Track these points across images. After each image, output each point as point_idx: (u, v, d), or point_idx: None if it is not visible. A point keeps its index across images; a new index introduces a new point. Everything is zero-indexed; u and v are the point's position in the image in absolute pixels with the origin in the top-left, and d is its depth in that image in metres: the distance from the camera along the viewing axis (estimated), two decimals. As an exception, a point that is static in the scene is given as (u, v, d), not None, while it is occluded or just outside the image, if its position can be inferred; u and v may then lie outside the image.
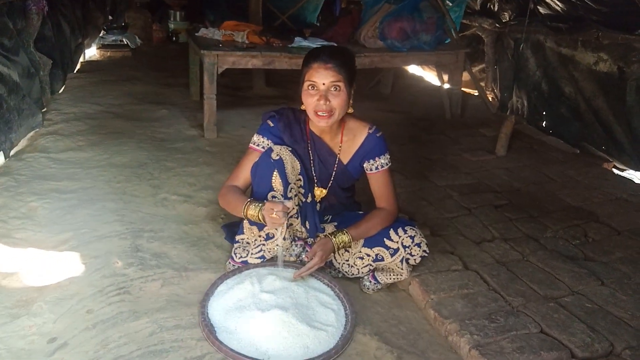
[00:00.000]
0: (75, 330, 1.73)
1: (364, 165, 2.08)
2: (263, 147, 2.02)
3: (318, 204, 2.14)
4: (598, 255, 2.37)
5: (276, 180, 1.93)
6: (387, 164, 2.07)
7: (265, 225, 1.94)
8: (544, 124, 4.27)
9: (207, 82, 3.65)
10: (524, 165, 3.50)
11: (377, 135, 2.07)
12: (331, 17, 6.32)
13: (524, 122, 4.39)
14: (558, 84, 4.06)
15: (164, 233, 2.37)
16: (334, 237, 1.96)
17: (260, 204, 1.87)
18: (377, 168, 2.06)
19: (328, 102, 1.87)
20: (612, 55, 3.53)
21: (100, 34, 6.49)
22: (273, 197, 1.95)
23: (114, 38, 6.50)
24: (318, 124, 1.96)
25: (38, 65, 3.86)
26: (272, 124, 2.04)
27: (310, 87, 1.89)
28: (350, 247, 2.03)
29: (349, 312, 1.86)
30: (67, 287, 1.93)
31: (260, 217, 1.86)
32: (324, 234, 2.11)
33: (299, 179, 2.02)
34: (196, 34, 4.20)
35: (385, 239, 2.02)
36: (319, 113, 1.89)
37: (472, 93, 5.21)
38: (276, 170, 1.92)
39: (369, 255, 2.05)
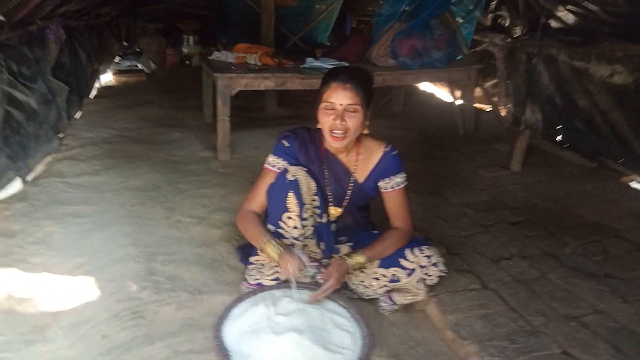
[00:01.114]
0: (89, 355, 1.73)
1: (380, 184, 2.07)
2: (278, 168, 2.01)
3: (333, 224, 2.13)
4: (619, 271, 2.31)
5: (291, 201, 1.92)
6: (402, 183, 2.06)
7: None
8: (559, 138, 4.22)
9: (221, 104, 3.68)
10: (539, 180, 3.45)
11: (393, 153, 2.06)
12: (342, 37, 6.39)
13: (539, 136, 4.35)
14: (572, 97, 4.02)
15: (178, 256, 2.37)
16: (350, 258, 1.94)
17: (278, 246, 1.88)
18: (392, 187, 2.05)
19: (344, 123, 1.88)
20: (627, 67, 3.49)
21: (116, 60, 6.62)
22: (289, 217, 1.94)
23: (129, 63, 6.63)
24: (332, 145, 1.96)
25: (55, 91, 3.94)
26: (287, 144, 2.04)
27: (327, 107, 1.90)
28: (365, 268, 2.00)
29: (365, 334, 1.82)
30: (81, 312, 1.93)
31: (275, 258, 1.88)
32: (339, 255, 2.09)
33: (315, 199, 2.01)
34: (209, 57, 4.26)
35: (400, 259, 1.99)
36: (334, 133, 1.90)
37: (484, 108, 5.19)
38: (292, 191, 1.92)
39: (384, 276, 2.02)
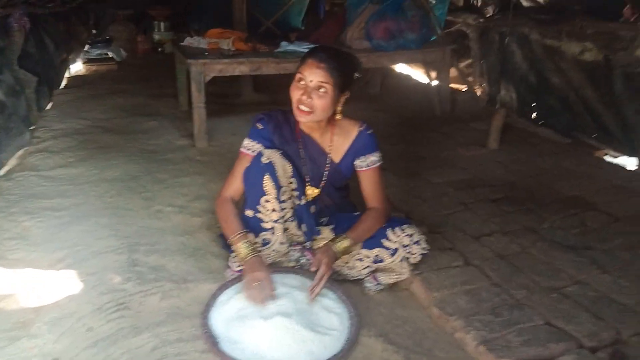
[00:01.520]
0: (76, 349, 1.70)
1: (355, 163, 2.08)
2: (253, 152, 2.00)
3: (313, 206, 2.13)
4: (598, 243, 2.37)
5: (268, 184, 1.92)
6: (378, 162, 2.07)
7: (260, 233, 1.98)
8: (534, 116, 4.29)
9: (196, 91, 3.62)
10: (517, 157, 3.50)
11: (368, 132, 2.07)
12: (317, 20, 6.33)
13: (515, 114, 4.41)
14: (545, 75, 4.08)
15: (161, 245, 2.34)
16: (335, 243, 1.95)
17: (248, 248, 1.88)
18: (367, 165, 2.06)
19: (310, 100, 1.87)
20: (597, 44, 3.55)
21: (85, 48, 6.45)
22: (267, 201, 1.93)
23: (98, 52, 6.46)
24: (297, 118, 1.95)
25: (23, 83, 3.82)
26: (261, 127, 2.03)
27: (299, 80, 1.90)
28: (349, 252, 2.01)
29: (353, 315, 1.84)
30: (65, 306, 1.89)
31: (240, 259, 1.89)
32: (321, 237, 2.10)
33: (292, 182, 2.01)
34: (181, 44, 4.18)
35: (382, 240, 2.01)
36: (299, 107, 1.90)
37: (460, 89, 5.23)
38: (267, 174, 1.91)
39: (368, 257, 2.04)
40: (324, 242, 2.01)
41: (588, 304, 1.91)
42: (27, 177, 3.01)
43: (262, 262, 1.87)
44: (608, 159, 3.63)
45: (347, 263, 2.07)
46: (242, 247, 1.88)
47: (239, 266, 2.03)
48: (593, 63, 3.60)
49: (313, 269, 1.88)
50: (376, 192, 2.08)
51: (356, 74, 1.99)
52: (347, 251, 1.99)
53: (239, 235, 1.91)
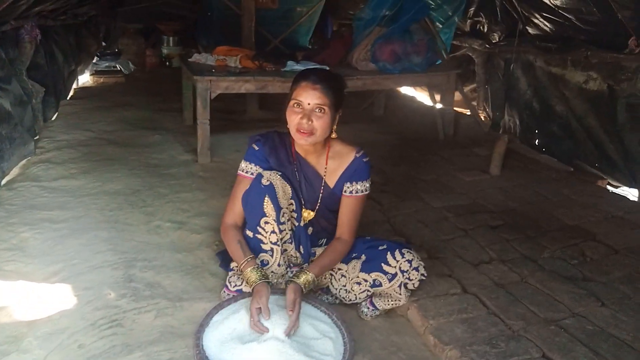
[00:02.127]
0: (66, 366, 1.69)
1: (344, 186, 2.07)
2: (252, 174, 2.01)
3: (310, 228, 2.12)
4: (597, 275, 2.35)
5: (268, 206, 1.92)
6: (363, 192, 2.07)
7: (260, 254, 1.98)
8: (536, 142, 4.28)
9: (201, 107, 3.65)
10: (518, 184, 3.49)
11: (364, 160, 2.07)
12: (323, 40, 6.39)
13: (517, 140, 4.41)
14: (549, 102, 4.08)
15: (158, 262, 2.34)
16: (298, 279, 1.89)
17: (257, 274, 1.86)
18: (351, 192, 2.05)
19: (310, 122, 1.89)
20: (602, 73, 3.56)
21: (94, 60, 6.52)
22: (266, 222, 1.93)
23: (107, 64, 6.54)
24: (298, 141, 1.97)
25: (30, 93, 3.86)
26: (257, 148, 2.04)
27: (295, 105, 1.91)
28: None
29: (347, 340, 1.82)
30: (57, 321, 1.89)
31: (249, 284, 1.87)
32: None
33: (291, 203, 2.01)
34: (189, 60, 4.22)
35: (382, 264, 1.99)
36: (300, 130, 1.90)
37: (464, 113, 5.24)
38: (267, 196, 1.92)
39: (366, 281, 2.02)
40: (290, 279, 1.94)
41: (585, 338, 1.89)
42: (29, 187, 3.03)
43: (268, 290, 1.85)
44: (609, 188, 3.61)
45: (344, 286, 2.06)
46: (251, 273, 1.87)
47: (236, 286, 2.03)
48: (597, 92, 3.61)
49: (289, 311, 1.79)
50: (350, 222, 2.07)
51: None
52: (311, 285, 1.93)
53: (246, 262, 1.90)
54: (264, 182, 1.93)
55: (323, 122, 1.90)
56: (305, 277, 1.90)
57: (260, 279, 1.85)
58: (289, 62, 4.08)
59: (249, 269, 1.88)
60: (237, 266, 2.01)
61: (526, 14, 4.15)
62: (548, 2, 3.67)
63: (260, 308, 1.77)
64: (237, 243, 1.97)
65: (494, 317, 2.02)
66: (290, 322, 1.76)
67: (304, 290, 1.89)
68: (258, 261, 1.98)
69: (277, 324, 1.78)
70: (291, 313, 1.77)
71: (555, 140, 4.05)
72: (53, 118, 4.52)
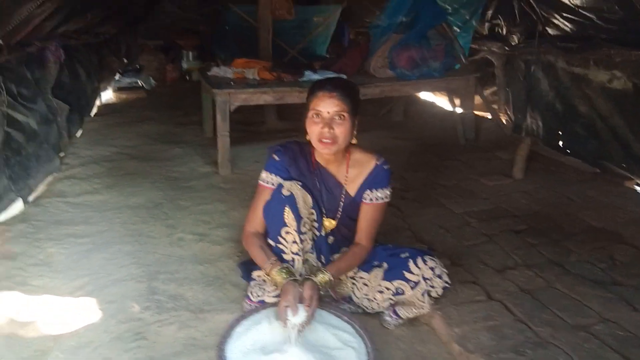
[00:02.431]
0: (91, 379, 1.71)
1: (364, 193, 2.06)
2: (272, 184, 2.02)
3: (331, 237, 2.11)
4: (626, 278, 2.28)
5: (288, 216, 1.92)
6: (383, 199, 2.05)
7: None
8: (560, 144, 4.20)
9: (220, 120, 3.69)
10: (542, 187, 3.42)
11: (385, 167, 2.06)
12: (340, 49, 6.41)
13: (540, 143, 4.33)
14: (572, 103, 4.01)
15: (180, 274, 2.36)
16: (315, 277, 1.88)
17: (283, 273, 1.85)
18: (371, 199, 2.05)
19: (332, 130, 1.89)
20: (626, 72, 3.48)
21: (116, 77, 6.66)
22: (287, 232, 1.93)
23: (129, 80, 6.68)
24: (322, 151, 1.97)
25: (55, 111, 3.96)
26: (278, 158, 2.05)
27: (315, 116, 1.92)
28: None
29: (370, 350, 1.80)
30: (83, 335, 1.91)
31: (278, 285, 1.86)
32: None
33: (312, 213, 2.01)
34: (208, 73, 4.27)
35: (404, 272, 1.97)
36: (322, 140, 1.91)
37: (484, 116, 5.18)
38: (287, 206, 1.92)
39: (388, 289, 2.00)
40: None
41: (616, 344, 1.83)
42: (55, 203, 3.10)
43: (295, 287, 1.82)
44: (637, 189, 3.51)
45: (367, 295, 2.05)
46: (277, 276, 1.86)
47: (258, 297, 2.03)
48: (622, 91, 3.52)
49: (306, 306, 1.77)
50: (369, 229, 2.06)
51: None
52: (328, 285, 1.92)
53: (271, 265, 1.89)
54: (285, 192, 1.93)
55: (344, 128, 1.91)
56: (323, 276, 1.89)
57: (286, 278, 1.84)
58: (307, 72, 4.10)
59: (274, 270, 1.87)
60: (261, 272, 2.01)
61: (545, 15, 4.09)
62: (568, 2, 3.61)
63: (288, 307, 1.75)
64: (260, 248, 1.97)
65: (520, 324, 1.97)
66: (307, 317, 1.75)
67: (320, 289, 1.88)
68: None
69: (299, 333, 1.77)
70: (308, 308, 1.75)
71: (579, 141, 3.97)
72: (77, 135, 4.63)
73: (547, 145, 4.29)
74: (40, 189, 3.38)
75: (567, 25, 3.94)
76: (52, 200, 3.14)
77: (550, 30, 4.19)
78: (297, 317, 1.73)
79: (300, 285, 1.84)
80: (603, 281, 2.26)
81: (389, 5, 4.24)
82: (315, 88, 1.96)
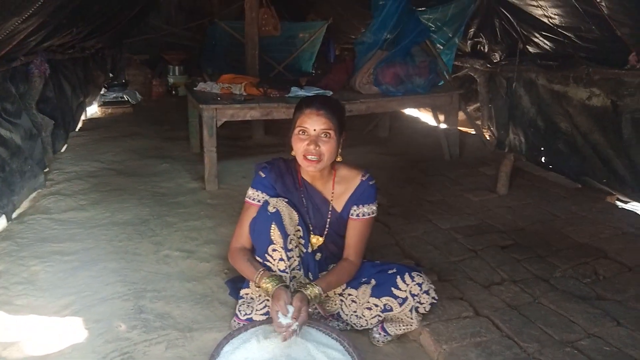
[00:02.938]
0: (77, 401, 1.68)
1: (350, 209, 2.07)
2: (259, 201, 2.03)
3: (318, 254, 2.12)
4: (611, 293, 2.32)
5: (275, 233, 1.92)
6: (370, 214, 2.07)
7: None
8: (543, 160, 4.28)
9: (207, 136, 3.68)
10: (526, 203, 3.48)
11: (370, 183, 2.08)
12: (326, 65, 6.47)
13: (523, 159, 4.41)
14: (553, 120, 4.10)
15: (167, 292, 2.34)
16: (305, 289, 1.88)
17: (272, 280, 1.85)
18: (358, 215, 2.06)
19: (318, 148, 1.91)
20: (604, 89, 3.57)
21: (102, 92, 6.62)
22: (274, 250, 1.93)
23: (114, 95, 6.63)
24: (307, 169, 1.99)
25: (40, 126, 3.92)
26: (263, 175, 2.06)
27: (301, 132, 1.94)
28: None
29: (360, 368, 1.80)
30: (69, 355, 1.88)
31: (268, 293, 1.85)
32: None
33: (299, 230, 2.01)
34: (195, 89, 4.28)
35: (392, 288, 1.98)
36: (308, 157, 1.93)
37: (469, 132, 5.26)
38: (274, 223, 1.92)
39: (377, 306, 2.01)
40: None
41: (602, 359, 1.86)
42: (39, 220, 3.05)
43: (286, 293, 1.82)
44: (619, 204, 3.59)
45: (355, 312, 2.05)
46: (268, 284, 1.85)
47: (246, 315, 2.02)
48: (601, 108, 3.62)
49: (292, 318, 1.78)
50: (357, 244, 2.07)
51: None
52: (317, 299, 1.91)
53: (260, 275, 1.89)
54: (270, 209, 1.94)
55: (330, 146, 1.93)
56: (312, 289, 1.88)
57: (277, 285, 1.84)
58: (293, 88, 4.13)
59: (264, 279, 1.86)
60: (249, 290, 2.00)
61: (526, 34, 4.20)
62: (547, 22, 3.71)
63: (279, 311, 1.75)
64: (247, 261, 1.97)
65: (507, 340, 1.99)
66: (294, 325, 1.74)
67: (310, 301, 1.87)
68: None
69: (289, 351, 1.76)
70: (295, 320, 1.75)
71: (561, 157, 4.05)
72: (62, 150, 4.58)
73: (530, 161, 4.37)
74: (25, 205, 3.34)
75: (546, 44, 4.04)
76: (37, 217, 3.09)
77: (530, 48, 4.29)
78: (287, 318, 1.73)
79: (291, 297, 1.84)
80: (588, 296, 2.30)
81: (373, 22, 4.30)
82: (302, 105, 1.98)
